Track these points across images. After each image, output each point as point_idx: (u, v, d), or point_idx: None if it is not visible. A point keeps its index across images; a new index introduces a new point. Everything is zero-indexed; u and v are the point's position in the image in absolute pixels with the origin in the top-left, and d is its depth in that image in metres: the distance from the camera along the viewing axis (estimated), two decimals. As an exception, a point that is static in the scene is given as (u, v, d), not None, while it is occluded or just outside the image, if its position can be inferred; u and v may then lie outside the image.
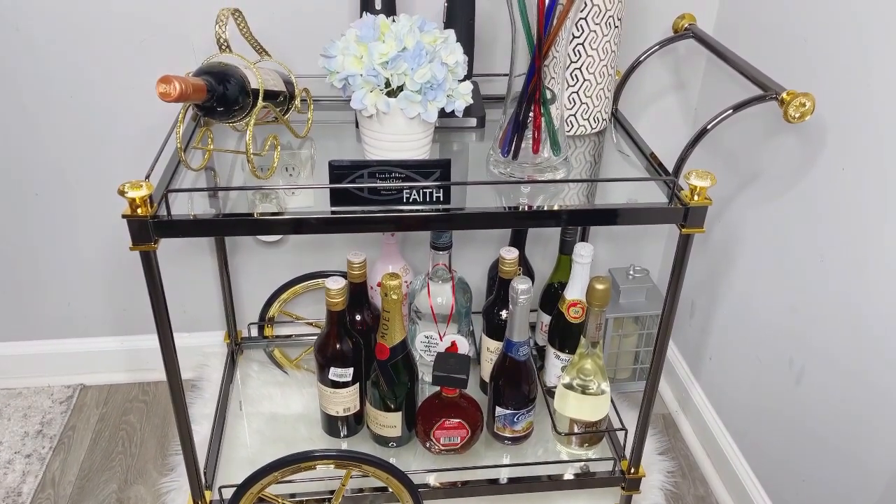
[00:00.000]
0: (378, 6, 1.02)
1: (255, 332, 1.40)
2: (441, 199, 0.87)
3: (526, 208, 0.89)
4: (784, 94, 0.85)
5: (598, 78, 1.02)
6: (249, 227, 0.84)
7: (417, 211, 0.85)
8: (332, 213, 0.85)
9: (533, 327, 1.34)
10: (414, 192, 0.85)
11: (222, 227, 0.88)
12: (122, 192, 0.79)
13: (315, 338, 1.41)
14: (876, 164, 0.87)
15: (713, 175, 0.86)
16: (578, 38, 0.99)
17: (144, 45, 1.14)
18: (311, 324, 1.43)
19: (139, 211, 0.79)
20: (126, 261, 1.33)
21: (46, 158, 1.22)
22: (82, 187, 1.26)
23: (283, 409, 1.30)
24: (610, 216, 0.89)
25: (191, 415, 1.06)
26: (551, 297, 1.27)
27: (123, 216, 0.80)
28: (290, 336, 1.42)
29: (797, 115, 0.84)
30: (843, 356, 0.95)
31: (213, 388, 1.35)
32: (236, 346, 1.38)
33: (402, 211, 0.85)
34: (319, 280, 1.36)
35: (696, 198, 0.86)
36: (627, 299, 1.40)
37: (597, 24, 0.98)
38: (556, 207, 0.89)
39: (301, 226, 0.84)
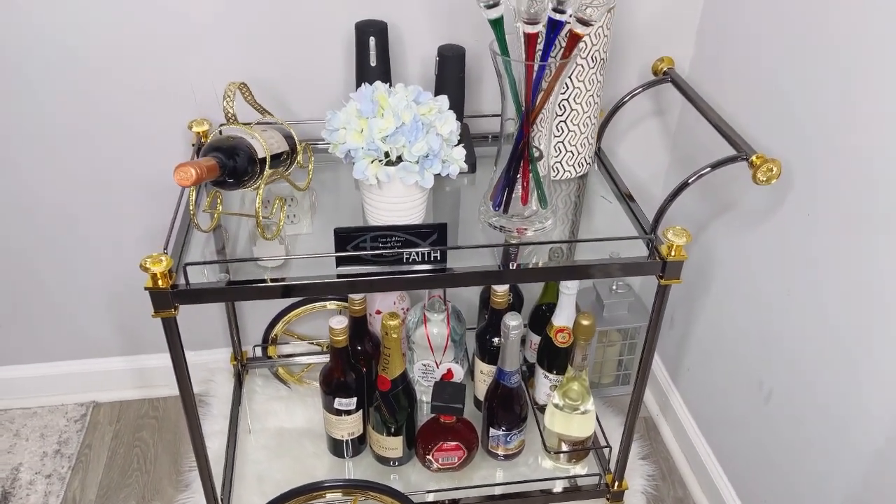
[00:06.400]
0: (373, 62, 1.07)
1: (259, 353, 1.48)
2: (439, 258, 0.94)
3: (515, 266, 0.96)
4: (754, 157, 0.92)
5: (581, 128, 1.09)
6: (263, 292, 0.91)
7: (418, 272, 0.93)
8: (338, 276, 0.92)
9: (523, 341, 1.42)
10: (414, 253, 0.92)
11: (238, 294, 0.95)
12: (143, 268, 0.85)
13: (317, 354, 1.50)
14: (836, 211, 0.95)
15: (688, 232, 0.94)
16: (563, 94, 1.05)
17: (148, 93, 1.18)
18: (313, 343, 1.50)
19: (160, 283, 0.86)
20: (133, 285, 1.39)
21: (57, 191, 1.27)
22: (91, 219, 1.31)
23: (287, 423, 1.39)
24: (594, 271, 0.96)
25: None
26: (540, 318, 1.35)
27: (146, 288, 0.86)
28: (293, 355, 1.50)
29: (764, 179, 0.91)
30: (808, 385, 1.05)
31: (219, 405, 1.43)
32: (242, 367, 1.46)
33: (403, 272, 0.92)
34: (321, 303, 1.43)
35: (672, 253, 0.94)
36: (611, 313, 1.49)
37: (580, 82, 1.04)
38: (543, 265, 0.96)
39: (310, 289, 0.91)
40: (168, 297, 0.87)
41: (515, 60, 0.88)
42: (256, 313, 1.47)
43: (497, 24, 0.87)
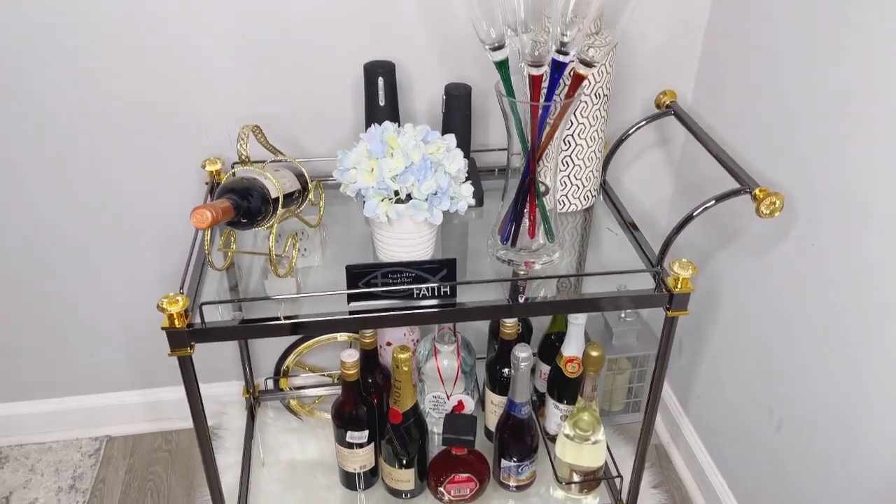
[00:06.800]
0: (382, 101, 1.10)
1: (271, 385, 1.49)
2: (449, 293, 0.95)
3: (524, 300, 0.98)
4: (757, 191, 0.93)
5: (586, 162, 1.11)
6: (276, 330, 0.93)
7: (428, 307, 0.94)
8: (350, 312, 0.94)
9: (532, 371, 1.43)
10: (424, 288, 0.94)
11: (252, 332, 0.97)
12: (160, 308, 0.87)
13: (329, 386, 1.51)
14: (841, 240, 0.96)
15: (694, 265, 0.95)
16: (568, 130, 1.07)
17: (162, 131, 1.21)
18: (325, 374, 1.52)
19: (176, 323, 0.88)
20: (146, 319, 1.40)
21: (73, 228, 1.29)
22: (106, 255, 1.33)
23: (300, 455, 1.40)
24: (602, 303, 0.98)
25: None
26: (549, 348, 1.36)
27: (163, 328, 0.88)
28: (304, 387, 1.51)
29: (767, 212, 0.93)
30: (818, 413, 1.05)
31: (232, 438, 1.44)
32: (254, 400, 1.47)
33: (414, 308, 0.94)
34: (332, 336, 1.45)
35: (679, 286, 0.95)
36: (620, 340, 1.49)
37: (584, 118, 1.06)
38: (552, 298, 0.98)
39: (322, 326, 0.93)
40: (184, 337, 0.88)
41: (521, 101, 0.90)
42: (268, 345, 1.49)
43: (502, 66, 0.90)
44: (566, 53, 0.87)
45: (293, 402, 1.48)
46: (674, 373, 1.51)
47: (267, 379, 1.48)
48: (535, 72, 0.89)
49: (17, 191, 1.24)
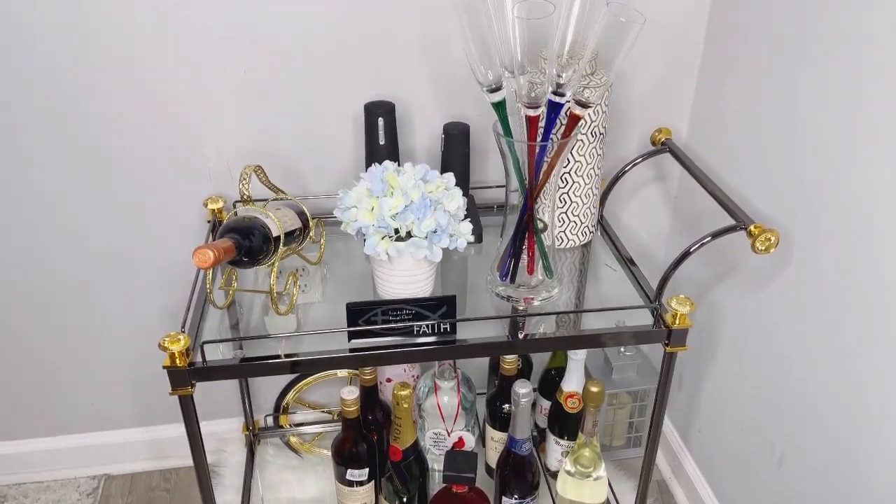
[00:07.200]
0: (382, 140, 1.11)
1: (270, 422, 1.48)
2: (449, 330, 0.96)
3: (523, 336, 0.98)
4: (752, 227, 0.95)
5: (584, 199, 1.12)
6: (276, 368, 0.93)
7: (428, 344, 0.95)
8: (350, 350, 0.94)
9: (533, 406, 1.43)
10: (424, 325, 0.94)
11: (253, 370, 0.97)
12: (162, 347, 0.87)
13: (329, 423, 1.51)
14: (838, 275, 0.97)
15: (692, 301, 0.96)
16: (565, 168, 1.08)
17: (164, 169, 1.22)
18: (325, 411, 1.51)
19: (178, 362, 0.88)
20: (146, 357, 1.41)
21: (73, 266, 1.30)
22: (106, 293, 1.34)
23: (300, 493, 1.39)
24: (601, 339, 0.98)
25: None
26: (549, 383, 1.36)
27: (164, 367, 0.88)
28: (304, 424, 1.50)
29: (763, 248, 0.94)
30: (820, 449, 1.05)
31: (231, 475, 1.43)
32: (254, 437, 1.46)
33: (413, 345, 0.94)
34: (332, 372, 1.45)
35: (677, 322, 0.95)
36: (620, 375, 1.49)
37: (581, 156, 1.08)
38: (551, 335, 0.98)
39: (322, 364, 0.94)
40: (186, 376, 0.89)
41: (518, 141, 0.92)
42: (268, 381, 1.48)
43: (500, 107, 0.92)
44: (562, 94, 0.89)
45: (293, 439, 1.48)
46: (674, 407, 1.51)
47: (267, 416, 1.48)
48: (531, 113, 0.90)
49: (19, 227, 1.25)
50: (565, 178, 1.09)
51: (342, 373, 1.45)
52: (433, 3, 1.13)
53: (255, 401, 1.49)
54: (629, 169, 1.22)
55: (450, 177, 0.99)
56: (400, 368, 1.33)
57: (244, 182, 0.96)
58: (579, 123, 0.93)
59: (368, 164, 1.09)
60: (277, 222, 0.96)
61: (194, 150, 1.21)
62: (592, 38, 0.86)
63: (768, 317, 1.14)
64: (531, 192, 0.96)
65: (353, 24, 1.14)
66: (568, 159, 1.08)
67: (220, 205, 1.19)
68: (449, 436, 1.25)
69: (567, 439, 1.28)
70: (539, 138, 0.93)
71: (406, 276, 0.98)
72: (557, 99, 0.89)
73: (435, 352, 0.96)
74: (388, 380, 1.33)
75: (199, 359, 0.91)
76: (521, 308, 1.03)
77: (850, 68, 0.90)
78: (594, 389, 1.12)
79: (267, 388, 1.49)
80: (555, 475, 1.27)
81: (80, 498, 1.48)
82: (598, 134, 1.08)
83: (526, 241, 1.01)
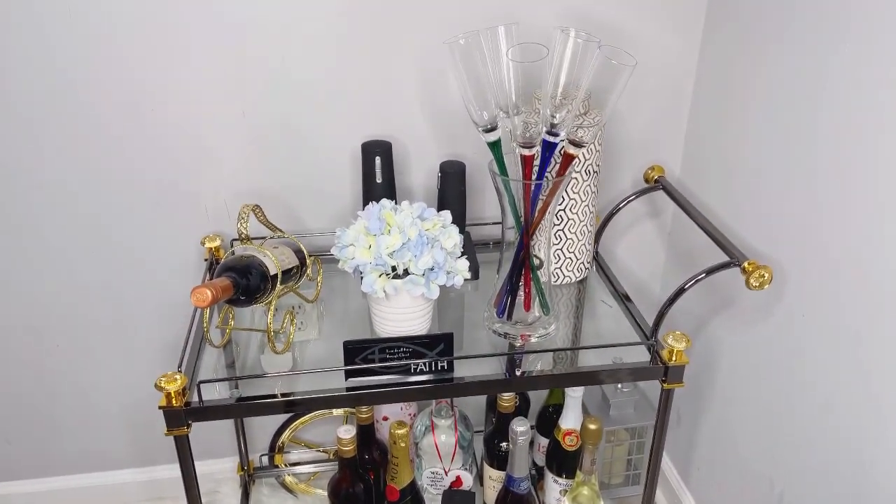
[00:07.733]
0: (379, 179, 1.13)
1: (266, 462, 1.47)
2: (446, 367, 0.96)
3: (520, 373, 0.98)
4: (746, 264, 0.95)
5: (579, 236, 1.13)
6: (272, 408, 0.93)
7: (425, 382, 0.95)
8: (347, 388, 0.94)
9: (531, 444, 1.42)
10: (421, 363, 0.94)
11: (249, 410, 0.96)
12: (158, 387, 0.87)
13: (324, 462, 1.49)
14: (832, 311, 0.97)
15: (688, 337, 0.96)
16: (560, 205, 1.10)
17: (161, 207, 1.23)
18: (321, 450, 1.50)
19: (174, 402, 0.88)
20: (140, 395, 1.40)
21: (69, 306, 1.30)
22: (102, 333, 1.33)
23: (295, 534, 1.37)
24: (598, 377, 0.98)
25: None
26: (547, 420, 1.35)
27: (160, 407, 0.88)
28: (299, 463, 1.49)
29: (757, 284, 0.95)
30: (819, 485, 1.04)
31: (226, 517, 1.41)
32: (249, 477, 1.45)
33: (410, 384, 0.94)
34: (327, 411, 1.44)
35: (674, 358, 0.96)
36: (618, 411, 1.48)
37: (576, 193, 1.09)
38: (549, 372, 0.98)
39: (318, 403, 0.94)
40: (181, 416, 0.88)
41: (513, 179, 0.93)
42: (263, 419, 1.47)
43: (495, 147, 0.93)
44: (556, 134, 0.91)
45: (288, 479, 1.46)
46: (673, 443, 1.50)
47: (262, 455, 1.47)
48: (526, 152, 0.92)
49: (16, 266, 1.25)
50: (560, 216, 1.11)
51: (338, 411, 1.44)
52: (430, 45, 1.15)
53: (250, 439, 1.48)
54: (623, 206, 1.23)
55: (446, 214, 1.00)
56: (397, 407, 1.32)
57: (242, 221, 0.97)
58: (573, 162, 0.95)
59: (366, 203, 1.10)
60: (275, 261, 0.97)
61: (192, 189, 1.22)
62: (585, 79, 0.88)
63: (766, 351, 1.14)
64: (527, 230, 0.97)
65: (351, 65, 1.16)
66: (563, 197, 1.09)
67: (218, 243, 1.19)
68: (446, 475, 1.24)
69: (565, 477, 1.27)
70: (534, 177, 0.94)
71: (403, 314, 0.98)
72: (551, 139, 0.91)
73: (432, 390, 0.96)
74: (385, 418, 1.32)
75: (195, 398, 0.90)
76: (518, 345, 1.03)
77: (841, 108, 0.92)
78: (592, 427, 1.11)
79: (262, 427, 1.48)
80: (553, 514, 1.26)
81: (71, 541, 1.45)
82: (592, 172, 1.09)
83: (522, 277, 1.02)
